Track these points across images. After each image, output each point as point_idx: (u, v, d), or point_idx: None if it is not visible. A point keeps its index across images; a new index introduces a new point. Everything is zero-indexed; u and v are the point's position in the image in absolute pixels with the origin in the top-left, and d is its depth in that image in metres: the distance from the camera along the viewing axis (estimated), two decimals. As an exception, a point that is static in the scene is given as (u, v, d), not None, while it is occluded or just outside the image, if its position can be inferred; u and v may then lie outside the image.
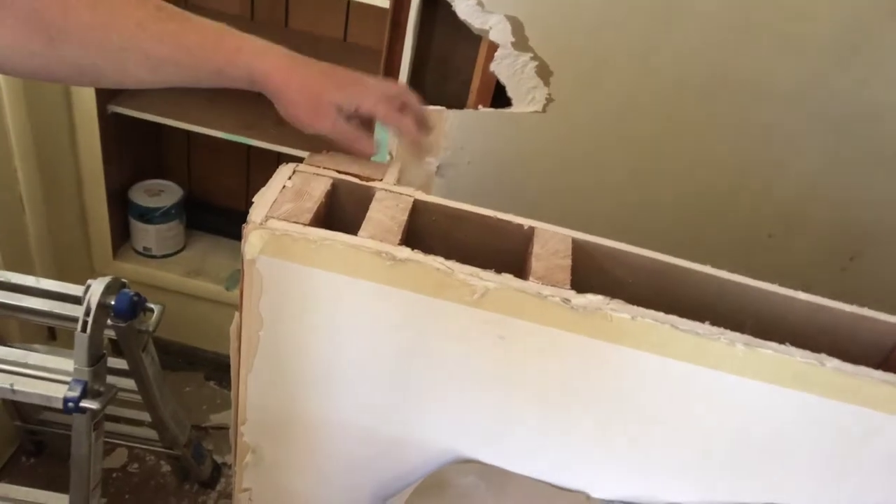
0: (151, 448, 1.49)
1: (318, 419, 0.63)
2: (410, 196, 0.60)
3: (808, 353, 0.54)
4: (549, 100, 1.40)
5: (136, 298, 0.99)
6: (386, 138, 1.50)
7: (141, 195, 1.68)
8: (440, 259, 0.53)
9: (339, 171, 0.61)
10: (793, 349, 0.54)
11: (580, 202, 1.46)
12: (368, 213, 0.57)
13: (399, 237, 0.55)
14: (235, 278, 1.75)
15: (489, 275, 0.53)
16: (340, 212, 0.59)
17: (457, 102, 1.50)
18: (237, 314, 0.60)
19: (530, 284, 0.53)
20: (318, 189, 0.58)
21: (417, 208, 0.60)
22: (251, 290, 0.56)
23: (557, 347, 0.55)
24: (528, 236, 0.60)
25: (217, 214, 1.85)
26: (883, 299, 0.65)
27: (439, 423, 0.62)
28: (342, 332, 0.58)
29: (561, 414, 0.60)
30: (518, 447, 0.63)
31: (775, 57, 1.27)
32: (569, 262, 0.57)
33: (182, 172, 1.84)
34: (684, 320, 0.54)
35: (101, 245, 1.63)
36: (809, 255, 1.41)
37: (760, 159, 1.36)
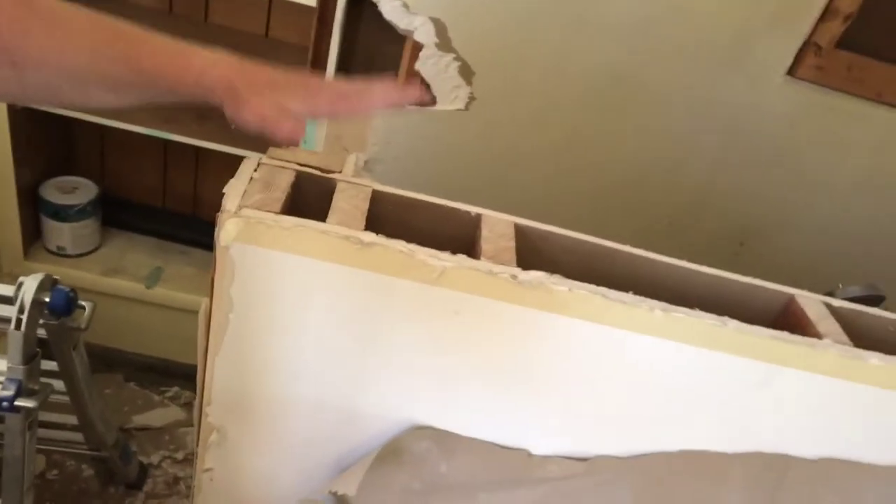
0: (73, 451, 1.46)
1: (282, 397, 0.68)
2: (369, 186, 0.65)
3: (713, 315, 0.64)
4: (472, 98, 1.48)
5: (71, 294, 0.99)
6: (313, 130, 1.53)
7: (53, 192, 1.62)
8: (402, 242, 0.59)
9: (301, 164, 0.66)
10: (700, 312, 0.64)
11: (501, 195, 1.55)
12: (333, 203, 0.62)
13: (363, 224, 0.60)
14: (155, 276, 1.72)
15: (446, 255, 0.60)
16: (304, 202, 0.64)
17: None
18: (205, 299, 0.64)
19: (482, 263, 0.60)
20: (283, 180, 0.63)
21: (376, 197, 0.65)
22: (223, 275, 0.59)
23: (505, 320, 0.63)
24: (475, 222, 0.67)
25: (134, 212, 1.81)
26: (768, 279, 0.77)
27: (397, 395, 0.68)
28: (309, 312, 0.62)
29: (506, 380, 0.67)
30: (467, 412, 0.70)
31: (672, 66, 1.41)
32: (513, 244, 0.64)
33: (96, 169, 1.79)
34: (613, 291, 0.63)
35: (11, 245, 1.57)
36: (706, 241, 1.56)
37: (662, 157, 1.50)
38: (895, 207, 1.55)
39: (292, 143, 0.57)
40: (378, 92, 0.59)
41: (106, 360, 1.79)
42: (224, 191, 0.60)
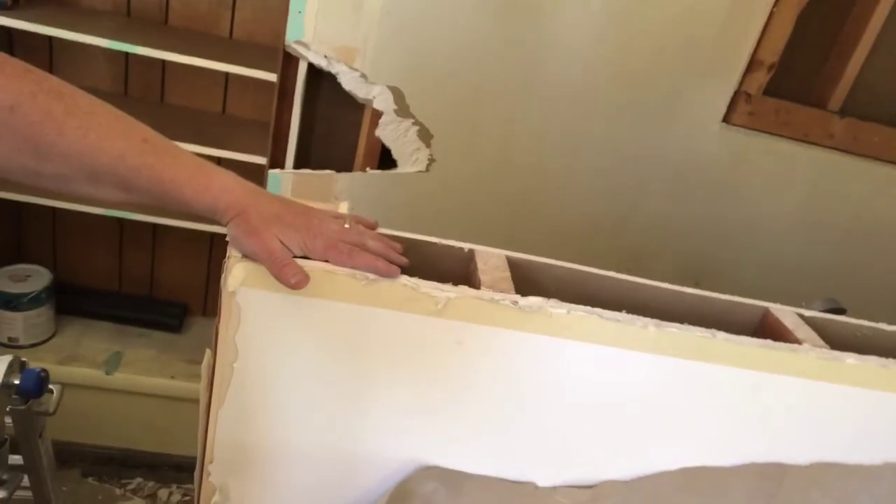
0: (32, 555, 1.35)
1: (286, 447, 0.66)
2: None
3: (702, 328, 0.67)
4: (432, 160, 1.53)
5: (42, 374, 0.95)
6: (277, 188, 1.54)
7: (4, 281, 1.57)
8: (406, 276, 0.61)
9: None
10: (691, 327, 0.67)
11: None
12: (334, 244, 0.63)
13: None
14: (115, 361, 1.66)
15: (449, 287, 0.62)
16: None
17: (344, 165, 1.60)
18: (208, 351, 0.63)
19: (484, 292, 0.62)
20: (282, 226, 0.64)
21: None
22: (229, 321, 0.59)
23: (507, 346, 0.64)
24: (469, 257, 0.69)
25: (89, 297, 1.76)
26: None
27: (402, 436, 0.68)
28: (313, 355, 0.62)
29: (509, 408, 0.68)
30: (473, 447, 0.70)
31: (615, 122, 1.51)
32: (508, 274, 0.67)
33: (48, 254, 1.75)
34: (607, 311, 0.65)
35: (-41, 339, 1.50)
36: (663, 279, 1.63)
37: (613, 206, 1.57)
38: (828, 239, 1.66)
39: (294, 288, 0.58)
40: (366, 259, 0.60)
41: (61, 456, 1.68)
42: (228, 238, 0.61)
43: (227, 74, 1.63)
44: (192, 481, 1.80)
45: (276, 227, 0.59)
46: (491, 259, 0.69)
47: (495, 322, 0.63)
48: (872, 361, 0.70)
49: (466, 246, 0.70)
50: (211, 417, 0.64)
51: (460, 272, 0.69)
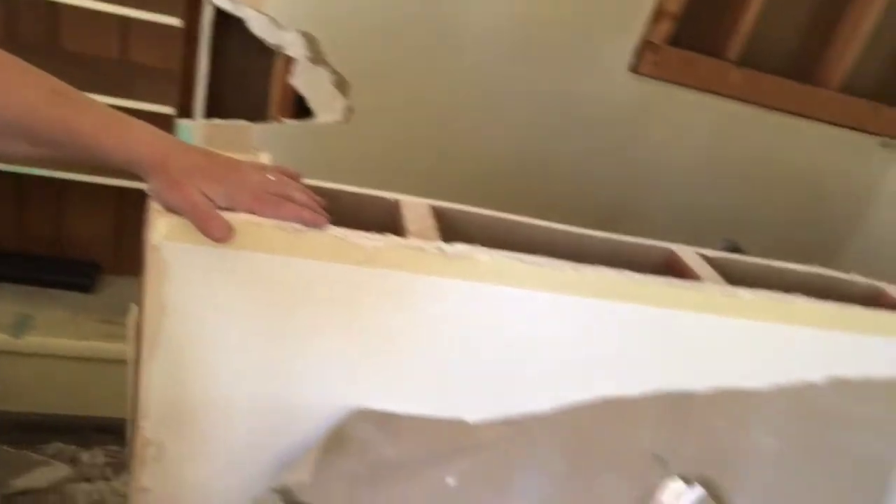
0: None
1: (221, 399, 0.67)
2: (290, 180, 0.67)
3: (614, 269, 0.72)
4: (350, 110, 1.51)
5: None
6: (189, 137, 1.49)
7: None
8: (333, 227, 0.62)
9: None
10: (603, 268, 0.72)
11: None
12: (260, 196, 0.63)
13: (294, 215, 0.62)
14: (24, 324, 1.59)
15: (377, 236, 0.63)
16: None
17: (257, 114, 1.55)
18: (134, 306, 0.62)
19: (411, 241, 0.64)
20: (205, 180, 0.63)
21: (298, 191, 0.67)
22: (155, 277, 0.59)
23: (434, 292, 0.67)
24: (395, 207, 0.71)
25: (-13, 259, 1.66)
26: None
27: (334, 382, 0.70)
28: (243, 307, 0.63)
29: (438, 351, 0.71)
30: (405, 390, 0.73)
31: (530, 68, 1.53)
32: (434, 223, 0.69)
33: (-62, 215, 1.62)
34: (528, 255, 0.69)
35: None
36: (584, 223, 1.70)
37: (535, 148, 1.61)
38: (727, 183, 1.77)
39: (219, 241, 0.57)
40: (293, 209, 0.60)
41: (-29, 424, 1.61)
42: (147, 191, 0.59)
43: (127, 18, 1.53)
44: (116, 442, 1.77)
45: (199, 178, 0.58)
46: (417, 208, 0.70)
47: (423, 269, 0.65)
48: (765, 295, 0.77)
49: (392, 196, 0.71)
50: (141, 373, 0.63)
51: (386, 222, 0.70)
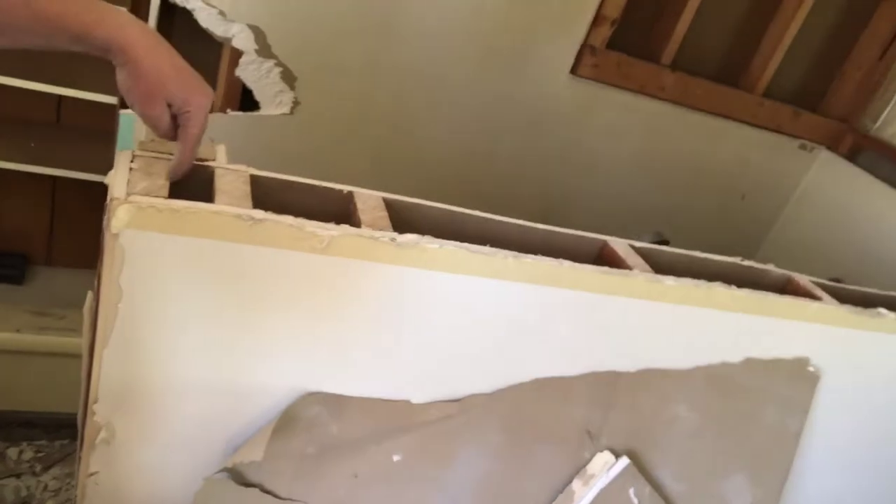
0: None
1: (173, 383, 0.69)
2: (246, 171, 0.70)
3: (552, 258, 0.77)
4: (296, 103, 1.53)
5: None
6: (132, 130, 1.48)
7: None
8: (290, 217, 0.65)
9: (173, 154, 0.68)
10: (542, 257, 0.77)
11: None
12: (217, 186, 0.65)
13: (250, 203, 0.65)
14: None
15: (332, 226, 0.66)
16: (184, 190, 0.66)
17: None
18: (90, 293, 0.64)
19: (365, 230, 0.68)
20: (162, 169, 0.65)
21: (253, 181, 0.70)
22: (113, 264, 0.60)
23: (385, 279, 0.71)
24: (348, 198, 0.74)
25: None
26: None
27: (286, 366, 0.73)
28: (199, 293, 0.65)
29: (386, 336, 0.75)
30: (354, 373, 0.76)
31: (470, 68, 1.58)
32: (386, 213, 0.73)
33: None
34: (473, 245, 0.73)
35: None
36: (522, 213, 1.77)
37: (479, 142, 1.66)
38: (657, 181, 1.86)
39: (163, 137, 0.62)
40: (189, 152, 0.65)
41: None
42: (105, 181, 0.61)
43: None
44: (44, 437, 1.73)
45: (168, 88, 0.60)
46: (369, 200, 0.74)
47: (375, 258, 0.69)
48: (688, 282, 0.84)
49: (345, 188, 0.75)
50: (95, 358, 0.65)
51: (338, 212, 0.74)
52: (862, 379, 1.03)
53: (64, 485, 1.48)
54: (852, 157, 1.93)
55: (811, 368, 0.96)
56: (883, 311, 0.97)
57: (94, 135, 1.65)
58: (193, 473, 0.75)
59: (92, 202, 1.47)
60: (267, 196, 0.71)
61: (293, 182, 0.72)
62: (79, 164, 1.53)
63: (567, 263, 0.78)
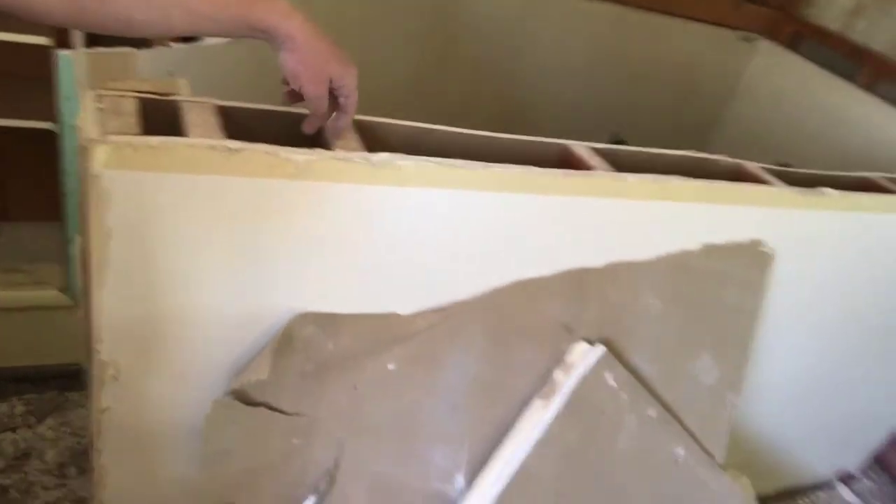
0: None
1: (172, 316, 0.71)
2: (211, 102, 0.70)
3: (518, 166, 0.80)
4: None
5: None
6: (72, 71, 1.41)
7: None
8: (264, 145, 0.66)
9: (139, 92, 0.68)
10: (510, 165, 0.80)
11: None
12: (186, 120, 0.66)
13: (222, 134, 0.65)
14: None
15: (307, 151, 0.68)
16: (153, 127, 0.66)
17: (143, 40, 1.49)
18: (77, 237, 0.64)
19: (339, 153, 0.69)
20: (130, 107, 0.65)
21: (221, 111, 0.70)
22: (98, 205, 0.61)
23: (363, 199, 0.73)
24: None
25: None
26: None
27: (276, 290, 0.76)
28: (187, 227, 0.67)
29: (370, 253, 0.78)
30: (343, 291, 0.80)
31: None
32: (356, 135, 0.74)
33: None
34: (444, 159, 0.76)
35: None
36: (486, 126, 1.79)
37: (431, 50, 1.65)
38: (612, 83, 1.89)
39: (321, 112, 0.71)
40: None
41: None
42: (75, 124, 0.61)
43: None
44: (33, 391, 1.73)
45: (331, 66, 0.68)
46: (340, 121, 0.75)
47: (351, 179, 0.71)
48: (647, 178, 0.89)
49: (304, 111, 0.75)
50: (91, 298, 0.66)
51: (308, 137, 0.75)
52: (810, 255, 1.11)
53: (60, 434, 1.50)
54: (792, 45, 1.98)
55: (764, 249, 1.03)
56: (826, 190, 1.04)
57: (28, 81, 1.57)
58: (202, 400, 0.78)
59: (39, 152, 1.43)
60: (235, 126, 0.71)
61: (260, 110, 0.72)
62: (18, 112, 1.47)
63: (533, 169, 0.81)
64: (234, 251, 0.70)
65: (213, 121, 0.67)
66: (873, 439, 1.75)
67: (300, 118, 0.77)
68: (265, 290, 0.75)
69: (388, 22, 1.58)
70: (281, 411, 0.80)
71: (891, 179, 1.20)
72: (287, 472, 0.82)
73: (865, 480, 1.82)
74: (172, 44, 1.47)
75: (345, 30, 1.54)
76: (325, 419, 0.83)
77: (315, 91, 0.68)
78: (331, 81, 0.69)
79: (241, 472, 0.80)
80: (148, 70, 1.47)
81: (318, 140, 0.74)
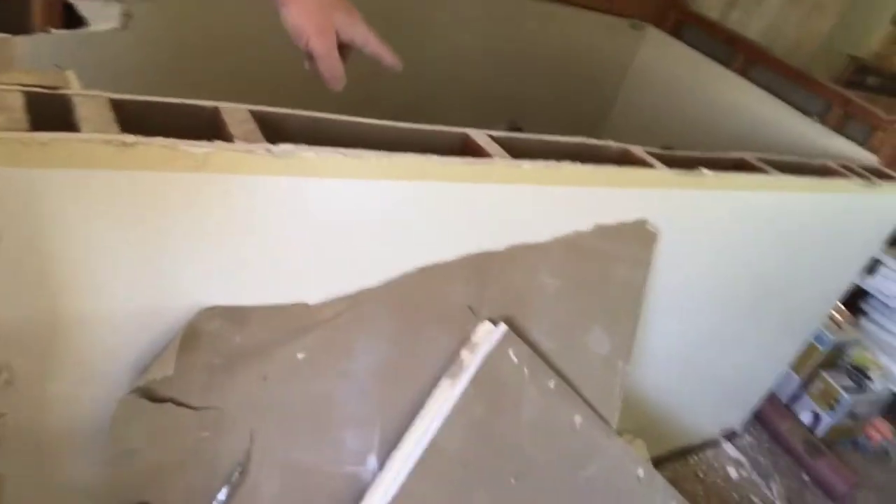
0: None
1: (74, 317, 0.69)
2: (104, 95, 0.68)
3: (419, 154, 0.83)
4: (128, 16, 1.42)
5: None
6: None
7: None
8: (161, 138, 0.65)
9: (24, 85, 0.65)
10: (410, 154, 0.82)
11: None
12: (78, 114, 0.64)
13: (117, 128, 0.64)
14: None
15: (206, 143, 0.67)
16: (41, 122, 0.64)
17: (20, 26, 1.40)
18: (-40, 238, 0.62)
19: (239, 144, 0.70)
20: (16, 102, 0.62)
21: (114, 105, 0.68)
22: (-18, 204, 0.59)
23: (265, 190, 0.73)
24: (214, 114, 0.74)
25: None
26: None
27: (181, 284, 0.75)
28: (85, 225, 0.65)
29: (275, 245, 0.79)
30: (247, 284, 0.80)
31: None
32: (255, 126, 0.74)
33: None
34: (347, 149, 0.77)
35: None
36: (385, 113, 1.80)
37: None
38: (508, 70, 1.94)
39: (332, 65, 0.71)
40: None
41: None
42: (-46, 120, 0.58)
43: None
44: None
45: (337, 17, 0.67)
46: (236, 114, 0.75)
47: (253, 170, 0.71)
48: (541, 164, 0.94)
49: (209, 104, 0.75)
50: (-21, 302, 0.64)
51: (206, 130, 0.74)
52: (691, 231, 1.21)
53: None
54: (676, 32, 2.11)
55: (650, 228, 1.11)
56: (704, 170, 1.13)
57: None
58: (106, 400, 0.76)
59: None
60: (131, 121, 0.70)
61: (155, 103, 0.71)
62: None
63: (434, 158, 0.84)
64: (134, 247, 0.69)
65: (106, 115, 0.66)
66: (753, 398, 1.92)
67: (200, 109, 0.76)
68: (169, 286, 0.74)
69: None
70: (189, 406, 0.79)
71: (762, 159, 1.32)
72: (198, 465, 0.82)
73: (747, 436, 2.00)
74: (53, 30, 1.39)
75: (244, 24, 1.51)
76: (234, 411, 0.84)
77: (322, 45, 0.66)
78: (338, 34, 0.67)
79: (151, 469, 0.79)
80: (29, 59, 1.39)
81: (219, 133, 0.74)
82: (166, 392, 0.78)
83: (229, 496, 0.83)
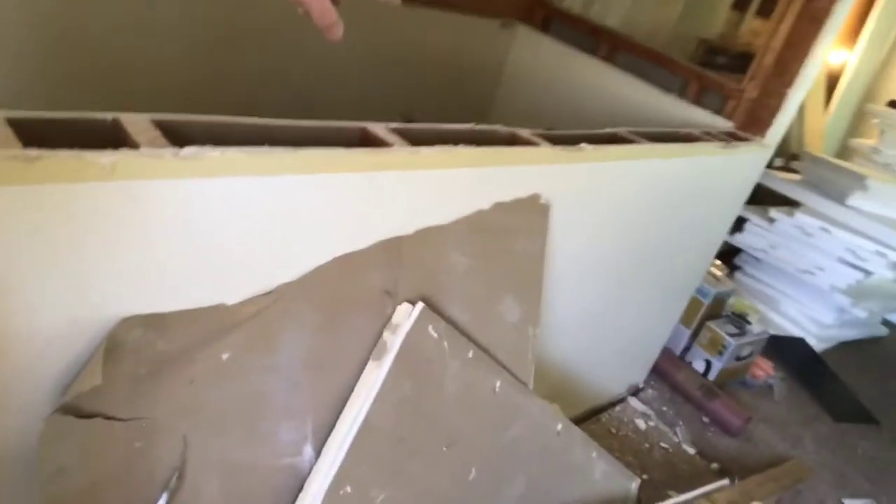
0: None
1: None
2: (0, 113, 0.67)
3: (323, 148, 0.87)
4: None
5: None
6: None
7: None
8: (66, 150, 0.66)
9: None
10: (314, 148, 0.86)
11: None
12: (-26, 133, 0.63)
13: (19, 143, 0.64)
14: None
15: (112, 151, 0.68)
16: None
17: None
18: None
19: (147, 150, 0.71)
20: None
21: (12, 123, 0.68)
22: None
23: (175, 194, 0.75)
24: (115, 126, 0.75)
25: None
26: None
27: (100, 296, 0.75)
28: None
29: (187, 247, 0.80)
30: (164, 290, 0.81)
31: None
32: (159, 132, 0.75)
33: None
34: (251, 147, 0.80)
35: None
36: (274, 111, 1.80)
37: (208, 60, 1.63)
38: (397, 71, 2.00)
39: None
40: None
41: None
42: None
43: None
44: None
45: None
46: (138, 123, 0.76)
47: (161, 175, 0.72)
48: (438, 149, 1.00)
49: (109, 115, 0.75)
50: None
51: (111, 142, 0.75)
52: (579, 201, 1.31)
53: None
54: (544, 28, 2.24)
55: (542, 201, 1.20)
56: (585, 145, 1.24)
57: None
58: (29, 422, 0.75)
59: None
60: (33, 141, 0.69)
61: (54, 119, 0.71)
62: None
63: (338, 150, 0.88)
64: (47, 261, 0.69)
65: (6, 132, 0.65)
66: (651, 354, 2.08)
67: (100, 122, 0.76)
68: (86, 299, 0.74)
69: (160, 19, 1.53)
70: (118, 418, 0.79)
71: (632, 132, 1.45)
72: (134, 476, 0.82)
73: (650, 390, 2.16)
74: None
75: (126, 34, 1.48)
76: (165, 418, 0.84)
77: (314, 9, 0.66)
78: None
79: (85, 486, 0.78)
80: None
81: (124, 141, 0.75)
82: (94, 407, 0.77)
83: (169, 503, 0.84)
